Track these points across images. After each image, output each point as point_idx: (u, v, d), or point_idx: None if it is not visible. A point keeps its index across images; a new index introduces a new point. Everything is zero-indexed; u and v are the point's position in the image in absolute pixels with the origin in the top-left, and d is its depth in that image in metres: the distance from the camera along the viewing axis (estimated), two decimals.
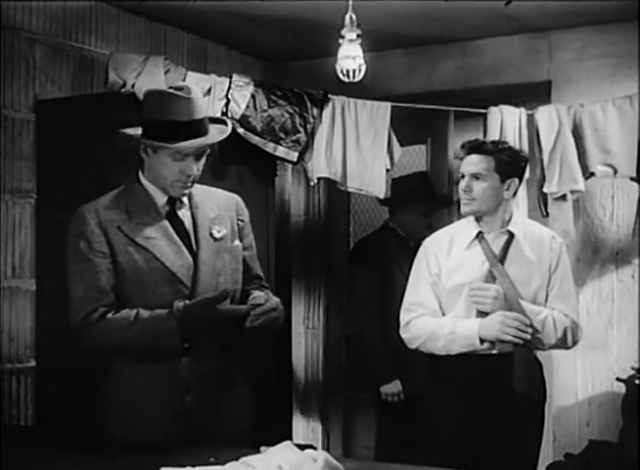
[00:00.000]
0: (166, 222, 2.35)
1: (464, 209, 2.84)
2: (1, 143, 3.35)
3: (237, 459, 1.89)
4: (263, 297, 2.33)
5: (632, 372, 3.89)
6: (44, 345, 3.46)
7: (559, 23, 4.16)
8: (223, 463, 1.89)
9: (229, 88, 3.59)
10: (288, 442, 1.96)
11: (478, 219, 2.86)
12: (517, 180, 2.84)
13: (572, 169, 3.66)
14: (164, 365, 2.28)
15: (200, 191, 2.45)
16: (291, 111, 3.69)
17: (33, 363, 3.46)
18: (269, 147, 3.68)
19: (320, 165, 3.77)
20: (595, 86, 4.14)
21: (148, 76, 3.36)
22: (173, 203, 2.38)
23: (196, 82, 3.52)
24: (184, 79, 3.49)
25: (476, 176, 2.80)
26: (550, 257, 2.85)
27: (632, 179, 3.71)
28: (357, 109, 3.79)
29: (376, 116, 3.77)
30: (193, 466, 1.88)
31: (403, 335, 2.89)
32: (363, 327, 3.81)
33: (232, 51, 4.58)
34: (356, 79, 3.49)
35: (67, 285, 2.31)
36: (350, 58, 3.43)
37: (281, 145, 3.69)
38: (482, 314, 2.74)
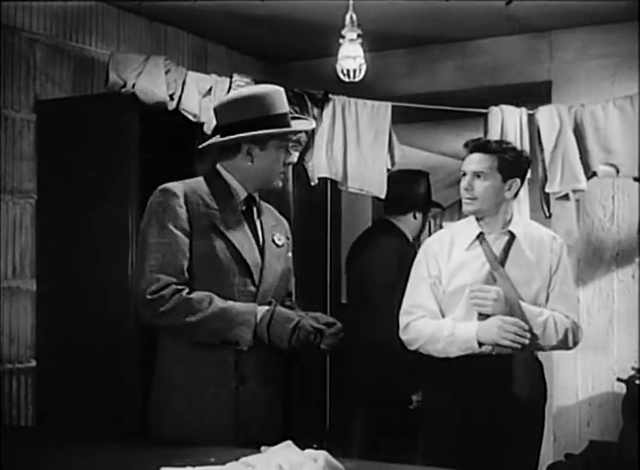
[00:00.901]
0: (243, 218, 2.43)
1: (465, 208, 2.83)
2: (1, 143, 3.35)
3: (237, 459, 1.89)
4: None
5: (632, 372, 3.89)
6: (44, 345, 3.46)
7: (559, 23, 4.16)
8: (223, 463, 1.88)
9: (230, 88, 3.58)
10: (288, 441, 1.96)
11: (478, 220, 2.85)
12: (519, 181, 2.83)
13: (574, 169, 3.66)
14: (222, 354, 2.31)
15: (261, 203, 2.55)
16: (291, 111, 3.69)
17: (33, 363, 3.46)
18: None
19: (321, 165, 3.76)
20: (596, 86, 4.14)
21: (148, 76, 3.36)
22: (249, 202, 2.46)
23: (196, 82, 3.52)
24: (184, 79, 3.49)
25: (477, 175, 2.78)
26: (551, 257, 2.84)
27: (635, 179, 3.71)
28: (358, 109, 3.78)
29: (376, 115, 3.77)
30: (193, 466, 1.87)
31: (403, 337, 2.88)
32: (385, 331, 3.69)
33: (232, 51, 4.58)
34: (357, 79, 3.49)
35: (142, 256, 2.30)
36: (351, 58, 3.43)
37: None
38: (483, 316, 2.74)
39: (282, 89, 2.45)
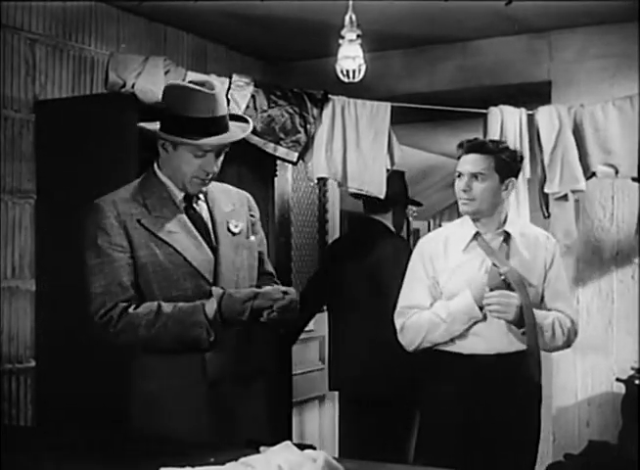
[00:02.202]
0: (185, 217, 2.34)
1: (463, 208, 2.82)
2: (1, 143, 3.35)
3: (236, 459, 1.89)
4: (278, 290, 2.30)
5: (632, 372, 3.90)
6: (44, 345, 3.46)
7: (559, 24, 4.17)
8: (223, 463, 1.88)
9: (229, 88, 3.58)
10: (287, 442, 1.96)
11: (474, 220, 2.84)
12: (514, 180, 2.84)
13: (574, 169, 3.66)
14: (189, 361, 2.27)
15: (213, 187, 2.44)
16: (291, 111, 3.69)
17: (33, 364, 3.46)
18: (269, 147, 3.67)
19: (320, 166, 3.76)
20: (595, 87, 4.15)
21: (148, 77, 3.36)
22: (190, 198, 2.37)
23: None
24: (184, 80, 3.48)
25: (475, 175, 2.78)
26: (545, 256, 2.85)
27: (633, 179, 3.71)
28: (357, 109, 3.78)
29: (376, 116, 3.77)
30: (192, 466, 1.87)
31: (402, 340, 2.86)
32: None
33: (232, 51, 4.59)
34: (356, 79, 3.50)
35: (85, 280, 2.26)
36: (350, 58, 3.44)
37: (281, 145, 3.69)
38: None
39: (216, 92, 2.28)
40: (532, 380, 2.84)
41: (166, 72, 3.43)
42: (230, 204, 2.44)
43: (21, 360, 3.43)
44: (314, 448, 1.92)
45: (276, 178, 4.05)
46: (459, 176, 2.81)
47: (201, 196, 2.40)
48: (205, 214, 2.39)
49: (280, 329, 2.50)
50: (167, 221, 2.30)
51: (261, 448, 2.00)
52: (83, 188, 3.34)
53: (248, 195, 2.54)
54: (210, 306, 2.23)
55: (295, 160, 3.74)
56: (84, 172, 3.36)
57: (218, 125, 2.29)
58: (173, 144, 2.29)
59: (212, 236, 2.36)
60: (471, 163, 2.79)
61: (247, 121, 2.47)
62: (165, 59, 3.50)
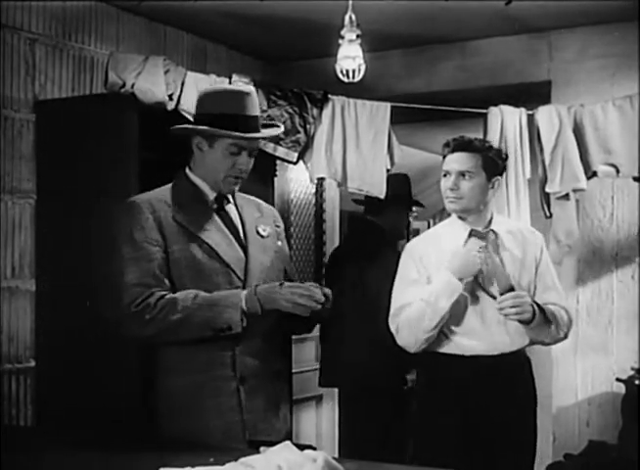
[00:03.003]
0: (216, 216, 2.40)
1: (450, 206, 2.81)
2: (1, 143, 3.35)
3: (236, 460, 1.89)
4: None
5: (632, 372, 3.90)
6: (44, 345, 3.46)
7: (559, 24, 4.17)
8: (223, 464, 1.89)
9: None
10: (287, 442, 1.96)
11: (461, 218, 2.84)
12: (500, 178, 2.85)
13: (574, 168, 3.66)
14: (217, 357, 2.29)
15: (241, 196, 2.52)
16: (290, 111, 3.69)
17: (33, 364, 3.46)
18: (269, 147, 3.68)
19: (320, 166, 3.76)
20: (595, 86, 4.15)
21: (148, 76, 3.36)
22: (221, 200, 2.43)
23: (195, 82, 3.52)
24: (184, 80, 3.49)
25: (463, 174, 2.78)
26: (534, 251, 2.86)
27: (634, 179, 3.71)
28: (357, 109, 3.79)
29: (376, 116, 3.77)
30: (193, 466, 1.88)
31: (400, 342, 2.85)
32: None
33: (232, 51, 4.59)
34: (356, 79, 3.50)
35: (120, 273, 2.28)
36: (350, 58, 3.44)
37: (281, 145, 3.69)
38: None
39: (252, 92, 2.38)
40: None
41: (166, 72, 3.43)
42: (257, 211, 2.52)
43: (20, 360, 3.43)
44: (314, 449, 1.92)
45: (276, 178, 4.05)
46: (445, 175, 2.81)
47: (230, 199, 2.46)
48: (235, 217, 2.45)
49: (315, 323, 2.53)
50: (200, 219, 2.36)
51: (261, 448, 2.00)
52: (83, 188, 3.36)
53: (273, 208, 2.63)
54: (248, 290, 2.26)
55: (294, 160, 3.74)
56: (84, 172, 3.36)
57: (254, 124, 2.36)
58: (210, 142, 2.34)
59: (242, 236, 2.41)
60: (458, 161, 2.78)
61: (277, 126, 2.58)
62: (165, 59, 3.50)
